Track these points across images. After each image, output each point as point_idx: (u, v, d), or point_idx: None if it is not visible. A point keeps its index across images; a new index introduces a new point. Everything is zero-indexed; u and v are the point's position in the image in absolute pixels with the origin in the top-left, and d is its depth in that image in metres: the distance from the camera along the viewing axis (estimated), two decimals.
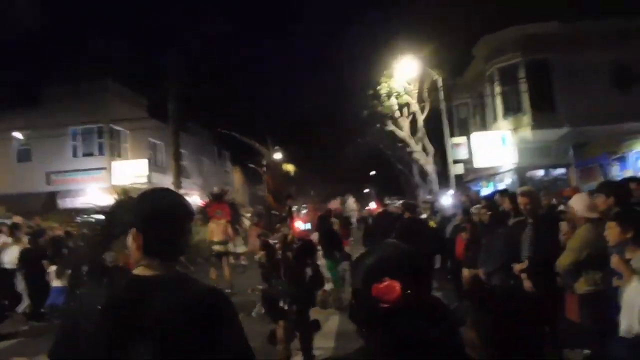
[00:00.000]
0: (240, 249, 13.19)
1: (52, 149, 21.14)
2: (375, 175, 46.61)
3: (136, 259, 1.57)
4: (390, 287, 1.15)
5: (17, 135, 21.75)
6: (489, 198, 7.62)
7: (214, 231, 10.97)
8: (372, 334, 1.20)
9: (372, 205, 33.56)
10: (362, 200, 42.70)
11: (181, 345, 1.41)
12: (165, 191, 1.73)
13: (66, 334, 1.50)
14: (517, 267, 4.36)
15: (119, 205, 6.61)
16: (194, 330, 1.43)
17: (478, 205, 6.16)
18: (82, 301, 1.69)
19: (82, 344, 1.43)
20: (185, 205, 1.69)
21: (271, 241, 5.45)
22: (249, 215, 14.67)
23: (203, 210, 11.23)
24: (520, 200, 4.52)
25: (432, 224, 9.00)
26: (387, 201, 31.88)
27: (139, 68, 21.12)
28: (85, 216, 18.02)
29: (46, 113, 20.57)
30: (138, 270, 1.55)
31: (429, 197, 19.31)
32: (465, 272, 5.67)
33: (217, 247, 10.88)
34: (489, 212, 5.28)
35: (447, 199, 10.54)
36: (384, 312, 1.15)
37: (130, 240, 1.57)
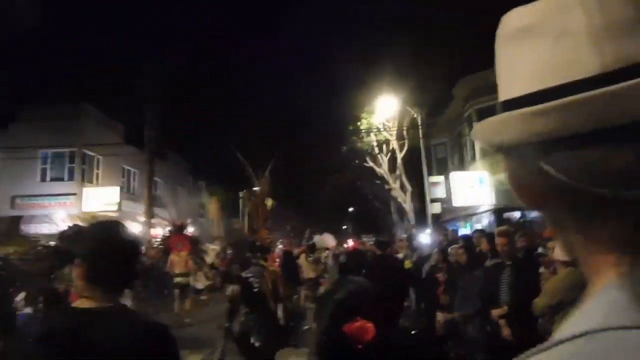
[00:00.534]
0: (201, 283, 13.03)
1: (19, 172, 20.30)
2: (353, 211, 46.39)
3: (79, 289, 1.57)
4: (364, 328, 1.14)
5: None
6: (466, 238, 7.39)
7: (175, 263, 11.09)
8: None
9: (350, 242, 33.18)
10: (340, 237, 42.28)
11: None
12: (113, 224, 1.74)
13: None
14: (495, 312, 4.05)
15: (67, 234, 6.26)
16: None
17: (455, 245, 5.89)
18: (19, 332, 1.65)
19: None
20: (130, 240, 1.70)
21: (244, 275, 5.31)
22: (212, 248, 14.52)
23: (164, 241, 11.38)
24: (498, 240, 4.28)
25: (408, 263, 8.70)
26: (364, 238, 31.59)
27: (116, 92, 20.70)
28: (51, 243, 17.28)
29: (15, 134, 19.92)
30: (78, 303, 1.55)
31: (403, 235, 19.12)
32: (440, 316, 5.34)
33: (178, 279, 11.00)
34: (466, 253, 5.00)
35: (425, 238, 10.25)
36: (358, 353, 1.13)
37: (74, 270, 1.58)
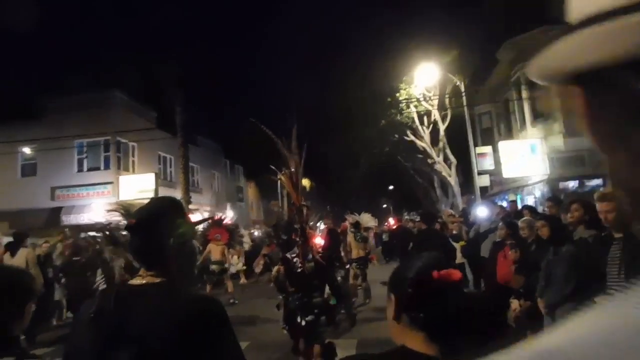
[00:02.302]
0: (235, 267, 13.71)
1: (57, 163, 20.36)
2: (393, 189, 45.20)
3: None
4: (452, 272, 1.24)
5: (24, 149, 21.15)
6: (532, 209, 6.38)
7: (212, 251, 11.73)
8: (431, 310, 1.22)
9: (390, 220, 32.26)
10: (380, 216, 41.38)
11: (167, 352, 1.37)
12: (160, 200, 1.84)
13: (69, 346, 1.56)
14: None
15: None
16: (181, 337, 1.38)
17: (527, 218, 4.92)
18: (79, 312, 1.63)
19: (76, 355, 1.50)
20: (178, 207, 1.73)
21: (289, 255, 5.30)
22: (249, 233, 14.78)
23: (203, 234, 12.08)
24: (601, 206, 3.30)
25: (461, 243, 7.76)
26: (406, 216, 30.55)
27: (147, 78, 20.30)
28: (91, 233, 17.22)
29: (51, 126, 19.85)
30: (132, 280, 1.59)
31: (450, 209, 18.03)
32: (514, 304, 4.41)
33: (214, 267, 11.72)
34: (549, 225, 4.01)
35: (482, 211, 9.17)
36: (448, 288, 1.21)
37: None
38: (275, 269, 5.60)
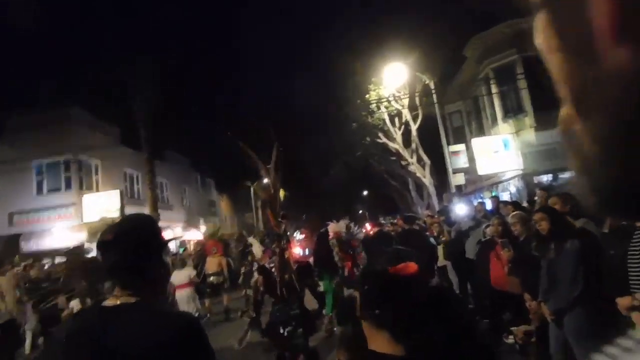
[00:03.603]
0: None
1: (15, 186, 19.19)
2: (368, 194, 44.95)
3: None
4: (408, 265, 1.18)
5: None
6: (517, 204, 6.01)
7: (210, 264, 12.17)
8: (387, 306, 1.16)
9: (367, 226, 31.89)
10: (357, 222, 40.91)
11: None
12: (134, 217, 1.77)
13: None
14: (623, 302, 2.69)
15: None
16: (158, 357, 1.38)
17: (518, 212, 4.48)
18: (52, 336, 1.64)
19: None
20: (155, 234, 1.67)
21: (267, 265, 5.38)
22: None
23: (201, 247, 12.99)
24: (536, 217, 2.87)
25: (444, 244, 7.35)
26: (382, 220, 30.22)
27: (109, 92, 19.38)
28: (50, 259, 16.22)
29: (7, 146, 18.79)
30: (108, 301, 1.54)
31: (426, 211, 17.73)
32: (519, 332, 3.85)
33: (212, 279, 11.99)
34: (549, 218, 3.54)
35: (462, 209, 8.81)
36: (403, 282, 1.16)
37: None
38: (254, 279, 5.73)
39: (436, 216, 9.32)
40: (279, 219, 5.42)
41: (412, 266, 1.17)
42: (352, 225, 10.19)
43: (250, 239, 13.22)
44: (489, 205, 9.97)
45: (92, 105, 20.79)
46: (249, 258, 12.72)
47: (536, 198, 5.32)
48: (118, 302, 1.49)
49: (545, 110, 16.17)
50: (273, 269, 5.14)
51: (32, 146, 18.51)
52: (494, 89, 17.49)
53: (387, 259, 1.22)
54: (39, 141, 18.60)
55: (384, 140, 19.91)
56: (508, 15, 16.75)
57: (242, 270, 13.33)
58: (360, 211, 53.28)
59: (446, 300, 1.21)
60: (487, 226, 5.34)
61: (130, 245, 1.53)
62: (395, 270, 1.16)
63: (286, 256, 5.08)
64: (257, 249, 12.87)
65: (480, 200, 13.62)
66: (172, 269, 11.14)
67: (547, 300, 3.40)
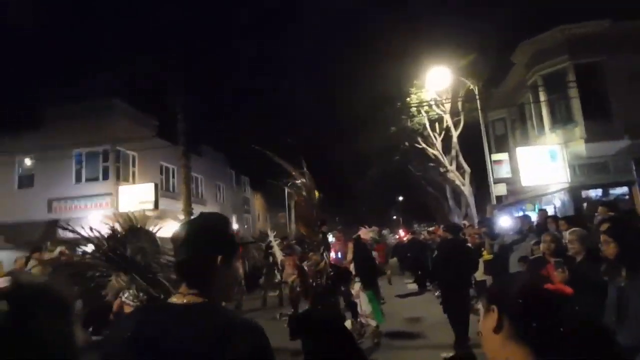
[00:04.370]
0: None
1: (55, 174, 19.66)
2: (403, 200, 44.15)
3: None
4: (565, 287, 1.22)
5: (25, 160, 20.54)
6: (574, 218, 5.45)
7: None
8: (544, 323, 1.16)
9: (400, 232, 31.25)
10: (390, 227, 40.27)
11: None
12: (209, 215, 1.69)
13: None
14: None
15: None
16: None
17: (577, 229, 3.96)
18: (111, 331, 1.65)
19: None
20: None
21: (305, 267, 5.29)
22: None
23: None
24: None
25: (486, 255, 6.83)
26: (416, 227, 29.51)
27: (149, 84, 19.56)
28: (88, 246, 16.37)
29: (49, 135, 19.23)
30: (173, 298, 1.52)
31: (464, 222, 17.06)
32: None
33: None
34: (616, 241, 3.01)
35: (507, 221, 8.23)
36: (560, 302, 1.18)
37: None
38: (291, 279, 5.78)
39: (477, 227, 8.78)
40: (318, 226, 5.32)
41: (568, 289, 1.21)
42: (383, 230, 9.88)
43: (272, 239, 13.03)
44: (532, 218, 9.38)
45: (132, 97, 21.09)
46: (270, 259, 12.46)
47: (597, 214, 4.76)
48: (185, 301, 1.47)
49: (596, 120, 15.30)
50: (309, 271, 5.11)
51: (73, 135, 18.84)
52: (542, 97, 16.64)
53: (533, 278, 1.33)
54: (79, 131, 18.95)
55: (423, 145, 19.33)
56: (561, 19, 15.99)
57: (264, 271, 13.07)
58: (395, 217, 52.49)
59: (607, 336, 1.21)
60: (537, 242, 4.84)
61: (202, 244, 1.52)
62: (554, 289, 1.20)
63: (322, 265, 4.96)
64: (277, 250, 12.67)
65: (524, 212, 12.90)
66: None
67: (616, 334, 2.93)
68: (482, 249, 7.16)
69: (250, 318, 1.51)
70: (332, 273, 4.98)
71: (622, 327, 2.87)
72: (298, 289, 5.49)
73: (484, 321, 1.28)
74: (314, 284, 4.88)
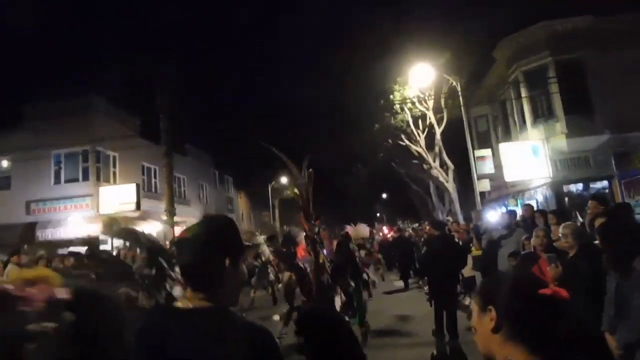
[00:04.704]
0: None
1: (33, 175, 19.14)
2: (387, 197, 44.27)
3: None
4: (562, 289, 1.25)
5: (1, 162, 20.00)
6: (558, 214, 5.44)
7: None
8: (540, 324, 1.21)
9: (384, 230, 31.31)
10: (374, 225, 40.35)
11: None
12: (216, 218, 1.70)
13: None
14: None
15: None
16: None
17: (571, 223, 3.92)
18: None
19: None
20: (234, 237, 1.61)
21: (301, 264, 5.31)
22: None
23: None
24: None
25: (475, 250, 6.82)
26: (400, 224, 29.62)
27: (129, 81, 19.20)
28: (68, 249, 16.00)
29: (26, 135, 18.77)
30: (179, 303, 1.50)
31: (448, 218, 17.12)
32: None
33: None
34: (612, 236, 2.96)
35: (493, 217, 8.24)
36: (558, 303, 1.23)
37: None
38: (286, 275, 5.73)
39: (463, 223, 8.79)
40: (313, 221, 5.32)
41: (564, 292, 1.23)
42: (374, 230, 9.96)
43: (259, 238, 12.88)
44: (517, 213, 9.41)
45: (112, 95, 20.69)
46: (262, 258, 12.38)
47: (587, 208, 4.75)
48: (191, 306, 1.44)
49: (578, 116, 15.46)
50: (307, 268, 5.12)
51: (52, 135, 18.41)
52: (523, 93, 16.78)
53: (528, 279, 1.36)
54: (58, 130, 18.52)
55: (407, 142, 19.35)
56: (542, 16, 16.10)
57: (256, 270, 12.97)
58: (378, 214, 52.64)
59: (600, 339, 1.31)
60: (527, 237, 4.81)
61: (208, 247, 1.48)
62: (553, 292, 1.22)
63: (321, 260, 5.01)
64: (265, 248, 12.55)
65: (507, 208, 12.97)
66: None
67: (614, 331, 2.88)
68: (471, 244, 7.15)
69: (261, 326, 1.52)
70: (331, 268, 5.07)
71: (622, 323, 2.83)
72: (293, 285, 5.52)
73: (479, 320, 1.29)
74: (319, 280, 4.89)
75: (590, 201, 4.69)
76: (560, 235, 3.81)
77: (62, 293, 1.49)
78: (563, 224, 3.88)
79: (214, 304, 1.45)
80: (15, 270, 9.03)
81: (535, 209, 8.52)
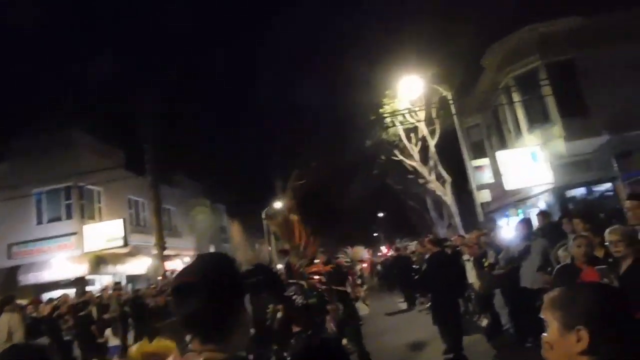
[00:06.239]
0: None
1: (13, 217, 18.24)
2: (384, 216, 43.57)
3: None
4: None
5: None
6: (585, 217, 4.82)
7: None
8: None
9: (383, 249, 30.58)
10: (372, 245, 39.52)
11: None
12: (212, 256, 1.55)
13: None
14: None
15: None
16: None
17: (619, 226, 3.27)
18: None
19: None
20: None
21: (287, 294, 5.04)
22: None
23: None
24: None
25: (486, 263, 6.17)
26: (398, 244, 28.90)
27: (111, 114, 18.55)
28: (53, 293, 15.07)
29: (4, 174, 17.97)
30: (186, 356, 1.35)
31: (457, 237, 16.46)
32: None
33: None
34: None
35: (507, 231, 7.55)
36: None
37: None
38: (270, 308, 5.26)
39: (466, 235, 8.16)
40: (303, 249, 5.18)
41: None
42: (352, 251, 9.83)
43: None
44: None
45: (94, 128, 20.02)
46: None
47: (626, 210, 4.12)
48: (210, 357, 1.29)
49: (574, 118, 15.01)
50: (294, 296, 4.90)
51: (32, 172, 17.65)
52: (516, 98, 16.35)
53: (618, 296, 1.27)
54: (39, 167, 17.79)
55: (400, 157, 18.80)
56: (528, 19, 15.80)
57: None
58: (376, 234, 51.84)
59: None
60: (561, 247, 4.16)
61: (213, 291, 1.31)
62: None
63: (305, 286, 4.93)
64: None
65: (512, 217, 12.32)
66: None
67: None
68: (484, 259, 6.49)
69: None
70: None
71: None
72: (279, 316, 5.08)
73: (561, 339, 1.22)
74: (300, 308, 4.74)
75: (629, 201, 4.03)
76: (607, 242, 3.16)
77: None
78: (609, 229, 3.24)
79: (227, 353, 1.30)
80: (11, 317, 8.24)
81: (547, 214, 7.88)
